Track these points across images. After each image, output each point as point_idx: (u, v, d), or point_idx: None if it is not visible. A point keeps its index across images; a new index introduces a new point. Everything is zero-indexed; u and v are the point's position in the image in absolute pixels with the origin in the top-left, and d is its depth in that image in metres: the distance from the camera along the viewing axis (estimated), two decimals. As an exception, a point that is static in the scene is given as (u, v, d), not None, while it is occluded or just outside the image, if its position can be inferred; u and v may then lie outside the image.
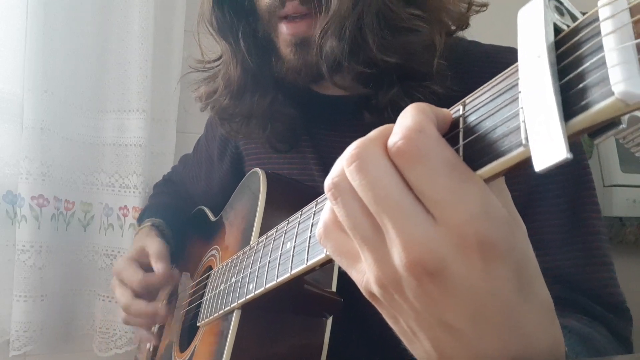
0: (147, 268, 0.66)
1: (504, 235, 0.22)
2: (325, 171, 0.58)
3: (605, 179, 1.18)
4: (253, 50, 0.53)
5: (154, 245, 0.66)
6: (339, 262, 0.27)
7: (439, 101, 0.26)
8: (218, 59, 0.60)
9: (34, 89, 0.86)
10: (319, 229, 0.27)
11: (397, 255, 0.22)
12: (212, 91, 0.59)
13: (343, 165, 0.24)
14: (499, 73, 0.22)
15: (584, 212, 0.49)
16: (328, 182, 0.25)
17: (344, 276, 0.49)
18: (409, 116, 0.22)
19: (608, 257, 0.49)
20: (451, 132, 0.23)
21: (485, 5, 0.53)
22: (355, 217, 0.24)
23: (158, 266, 0.64)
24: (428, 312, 0.23)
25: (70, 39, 0.92)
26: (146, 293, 0.65)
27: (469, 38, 0.57)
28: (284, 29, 0.50)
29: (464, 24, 0.53)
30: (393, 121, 0.23)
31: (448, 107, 0.25)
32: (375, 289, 0.25)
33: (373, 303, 0.27)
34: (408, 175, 0.22)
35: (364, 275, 0.25)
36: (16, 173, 0.87)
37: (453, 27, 0.52)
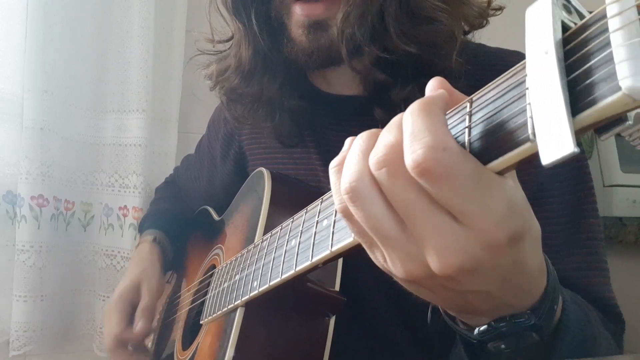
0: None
1: (527, 219, 0.23)
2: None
3: (605, 179, 1.18)
4: (265, 32, 0.53)
5: (145, 295, 0.68)
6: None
7: None
8: (227, 41, 0.59)
9: (34, 89, 0.86)
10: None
11: (431, 258, 0.23)
12: (224, 69, 0.58)
13: (359, 166, 0.24)
14: None
15: (584, 217, 0.49)
16: (345, 185, 0.25)
17: (348, 275, 0.49)
18: (424, 128, 0.22)
19: (604, 263, 0.49)
20: (459, 128, 0.23)
21: (501, 8, 0.53)
22: (377, 219, 0.24)
23: (139, 324, 0.65)
24: (459, 289, 0.25)
25: (70, 39, 0.92)
26: (129, 341, 0.67)
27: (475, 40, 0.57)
28: (298, 9, 0.49)
29: (481, 23, 0.53)
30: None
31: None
32: (398, 275, 0.26)
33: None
34: (433, 192, 0.22)
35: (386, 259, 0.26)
36: (16, 173, 0.87)
37: (467, 28, 0.52)
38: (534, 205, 0.51)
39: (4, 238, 0.89)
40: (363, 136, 0.26)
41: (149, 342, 0.74)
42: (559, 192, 0.49)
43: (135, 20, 0.95)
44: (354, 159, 0.25)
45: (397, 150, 0.23)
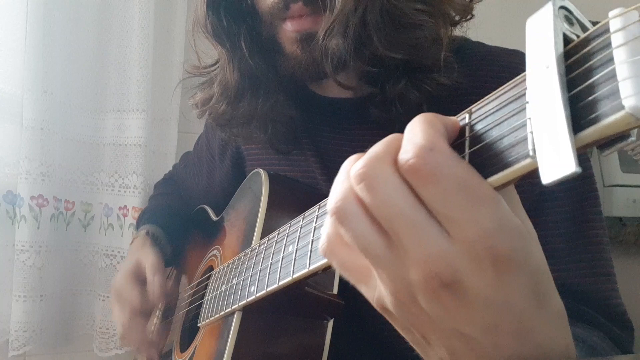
0: (144, 281, 0.67)
1: (519, 247, 0.22)
2: (328, 173, 0.58)
3: (605, 179, 1.17)
4: (255, 53, 0.52)
5: (148, 258, 0.67)
6: (347, 277, 0.27)
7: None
8: (215, 64, 0.59)
9: (34, 89, 0.85)
10: (322, 245, 0.27)
11: (413, 270, 0.22)
12: (208, 98, 0.58)
13: (348, 184, 0.24)
14: (505, 74, 0.22)
15: (588, 222, 0.48)
16: (331, 205, 0.24)
17: (345, 279, 0.49)
18: (419, 131, 0.22)
19: (611, 268, 0.49)
20: (457, 141, 0.23)
21: None
22: (365, 238, 0.23)
23: (155, 279, 0.65)
24: (444, 323, 0.24)
25: (70, 39, 0.92)
26: (145, 309, 0.66)
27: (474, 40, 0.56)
28: (289, 26, 0.49)
29: (468, 14, 0.52)
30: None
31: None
32: (389, 303, 0.25)
33: (385, 316, 0.26)
34: (420, 193, 0.22)
35: (376, 289, 0.25)
36: (16, 173, 0.87)
37: (457, 18, 0.51)
38: (539, 209, 0.50)
39: (4, 238, 0.89)
40: (352, 157, 0.25)
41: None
42: (562, 196, 0.49)
43: (135, 20, 0.95)
44: (340, 178, 0.25)
45: (374, 163, 0.22)
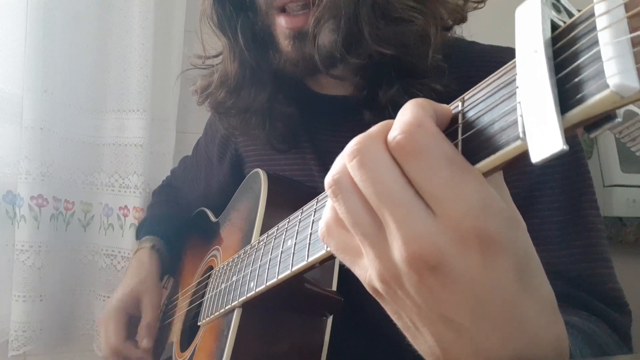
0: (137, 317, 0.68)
1: (503, 229, 0.22)
2: (326, 171, 0.58)
3: (605, 179, 1.18)
4: (251, 44, 0.54)
5: (148, 311, 0.68)
6: (342, 259, 0.27)
7: (439, 99, 0.26)
8: (218, 55, 0.60)
9: (34, 89, 0.86)
10: (321, 228, 0.27)
11: (398, 250, 0.22)
12: (208, 84, 0.59)
13: (344, 161, 0.24)
14: (497, 70, 0.22)
15: (583, 208, 0.49)
16: (328, 179, 0.25)
17: (344, 275, 0.49)
18: (408, 112, 0.22)
19: (607, 253, 0.49)
20: (450, 128, 0.23)
21: (482, 1, 0.53)
22: (356, 213, 0.24)
23: (143, 342, 0.66)
24: (429, 307, 0.23)
25: (70, 38, 0.92)
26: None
27: (469, 38, 0.57)
28: (282, 22, 0.50)
29: (461, 19, 0.53)
30: (393, 120, 0.24)
31: (448, 100, 0.25)
32: (377, 284, 0.25)
33: (376, 298, 0.27)
34: (407, 170, 0.22)
35: (367, 271, 0.25)
36: (16, 173, 0.87)
37: (450, 22, 0.52)
38: (534, 197, 0.50)
39: (4, 238, 0.89)
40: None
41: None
42: (556, 184, 0.49)
43: (135, 20, 0.95)
44: (339, 156, 0.25)
45: (367, 141, 0.23)
